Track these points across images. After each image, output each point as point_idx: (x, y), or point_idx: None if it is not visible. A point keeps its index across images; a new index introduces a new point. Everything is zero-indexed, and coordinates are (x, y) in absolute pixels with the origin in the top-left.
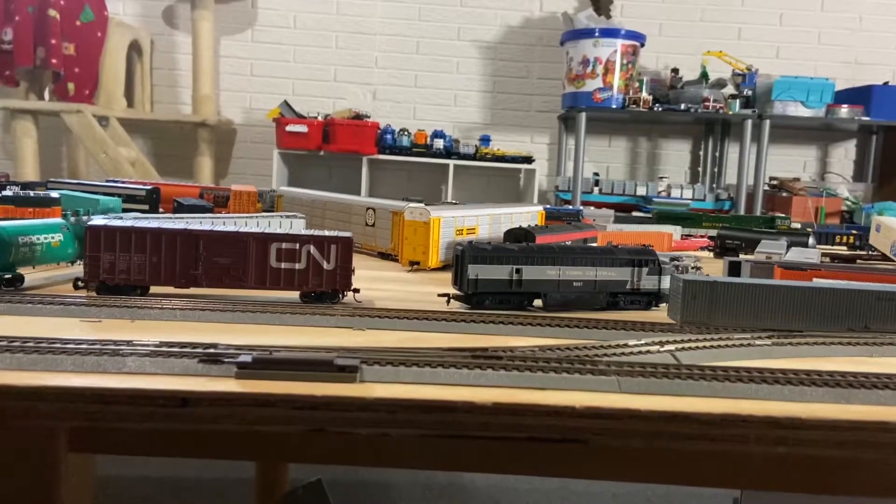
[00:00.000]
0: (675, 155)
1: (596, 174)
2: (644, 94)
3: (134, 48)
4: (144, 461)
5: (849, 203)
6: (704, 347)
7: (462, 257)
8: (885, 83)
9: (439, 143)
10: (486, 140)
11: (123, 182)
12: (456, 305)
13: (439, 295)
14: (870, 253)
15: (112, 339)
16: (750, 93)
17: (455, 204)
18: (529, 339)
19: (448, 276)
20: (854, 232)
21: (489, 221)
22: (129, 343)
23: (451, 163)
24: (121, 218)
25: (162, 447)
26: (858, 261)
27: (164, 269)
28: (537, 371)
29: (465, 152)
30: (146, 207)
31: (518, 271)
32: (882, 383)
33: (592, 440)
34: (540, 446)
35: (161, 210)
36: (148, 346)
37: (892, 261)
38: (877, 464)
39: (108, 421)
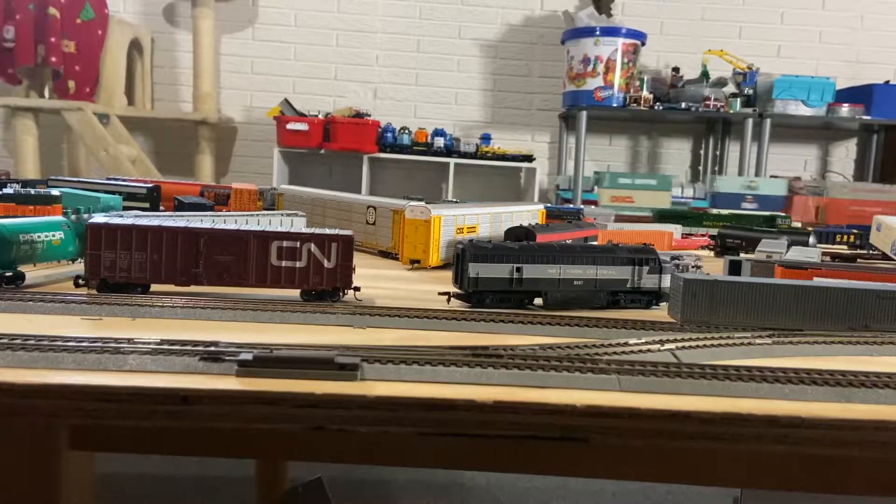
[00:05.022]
0: (676, 154)
1: (597, 173)
2: (645, 93)
3: (134, 46)
4: (145, 459)
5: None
6: (705, 346)
7: (462, 256)
8: (886, 82)
9: (440, 142)
10: (486, 138)
11: (124, 180)
12: (456, 304)
13: (440, 293)
14: (870, 252)
15: (113, 337)
16: (751, 91)
17: (455, 202)
18: (530, 337)
19: (448, 274)
20: (855, 231)
21: (490, 220)
22: (129, 341)
23: (452, 161)
24: (121, 216)
25: (162, 445)
26: (859, 260)
27: (165, 268)
28: (538, 369)
29: (466, 151)
30: (147, 205)
31: (518, 270)
32: (882, 382)
33: (593, 439)
34: (540, 445)
35: (162, 208)
36: (149, 343)
37: (893, 260)
38: (877, 462)
39: (108, 419)
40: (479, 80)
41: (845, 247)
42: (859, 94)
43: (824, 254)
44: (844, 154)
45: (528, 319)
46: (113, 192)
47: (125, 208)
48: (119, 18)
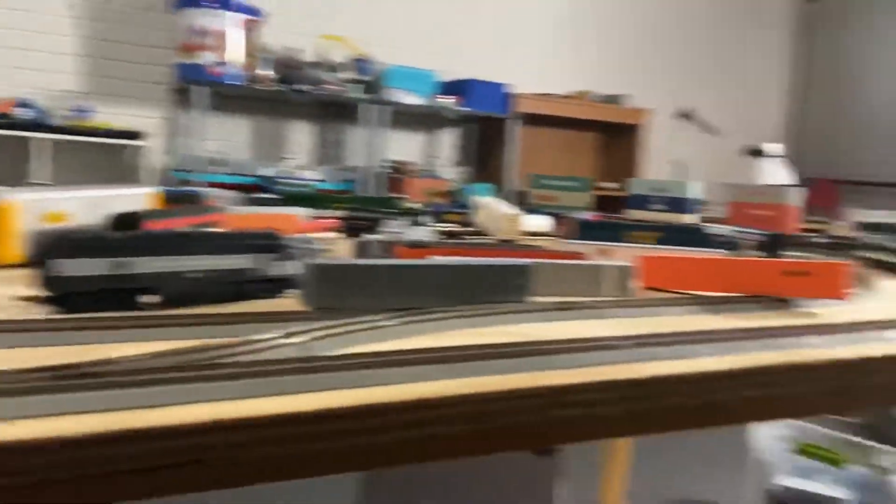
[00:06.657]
0: (301, 136)
1: (218, 153)
2: (265, 72)
3: None
4: None
5: (454, 184)
6: (336, 334)
7: (49, 250)
8: (479, 80)
9: (25, 113)
10: (85, 111)
11: None
12: (45, 311)
13: (21, 298)
14: (474, 230)
15: None
16: (368, 79)
17: (45, 185)
18: (139, 344)
19: (34, 273)
20: (460, 211)
21: (88, 205)
22: None
23: (40, 136)
24: None
25: None
26: (465, 237)
27: None
28: (146, 386)
29: (58, 125)
30: None
31: (121, 264)
32: (484, 354)
33: (207, 459)
34: (151, 473)
35: None
36: None
37: (493, 236)
38: (476, 433)
39: None
40: (75, 44)
41: (456, 225)
42: (459, 87)
43: (439, 233)
44: (449, 141)
45: (139, 323)
46: None
47: None
48: None
